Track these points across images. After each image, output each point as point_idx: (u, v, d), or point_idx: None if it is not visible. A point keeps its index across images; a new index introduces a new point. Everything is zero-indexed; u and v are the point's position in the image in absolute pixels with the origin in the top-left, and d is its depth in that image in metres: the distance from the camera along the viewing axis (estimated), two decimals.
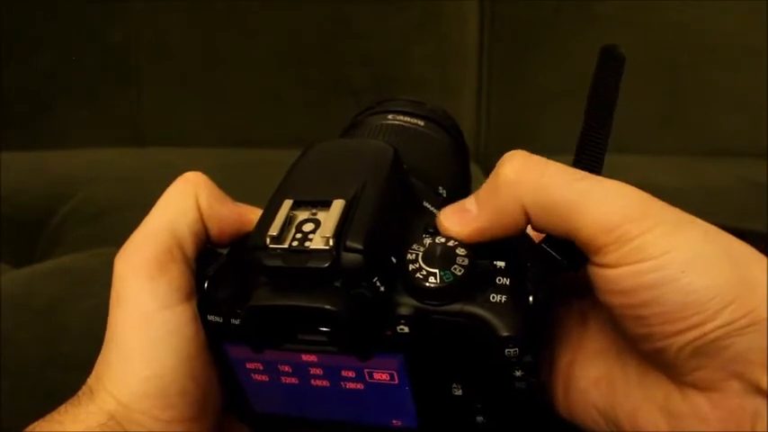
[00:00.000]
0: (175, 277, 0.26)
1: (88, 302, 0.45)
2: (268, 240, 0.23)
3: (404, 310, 0.23)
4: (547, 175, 0.24)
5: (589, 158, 0.26)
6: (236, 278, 0.25)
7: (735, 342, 0.22)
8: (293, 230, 0.23)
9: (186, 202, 0.27)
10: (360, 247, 0.23)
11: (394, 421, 0.27)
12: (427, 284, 0.23)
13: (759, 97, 0.86)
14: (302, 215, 0.24)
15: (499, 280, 0.24)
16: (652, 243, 0.23)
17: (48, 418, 0.25)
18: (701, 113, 0.88)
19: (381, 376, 0.25)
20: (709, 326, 0.22)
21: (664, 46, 0.90)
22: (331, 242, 0.22)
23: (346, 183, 0.25)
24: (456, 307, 0.23)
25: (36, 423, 0.25)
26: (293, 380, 0.26)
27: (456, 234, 0.25)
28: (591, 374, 0.28)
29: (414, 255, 0.24)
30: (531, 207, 0.24)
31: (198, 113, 0.92)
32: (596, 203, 0.23)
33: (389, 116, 0.35)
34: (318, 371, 0.26)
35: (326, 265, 0.22)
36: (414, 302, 0.23)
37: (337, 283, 0.23)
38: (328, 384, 0.26)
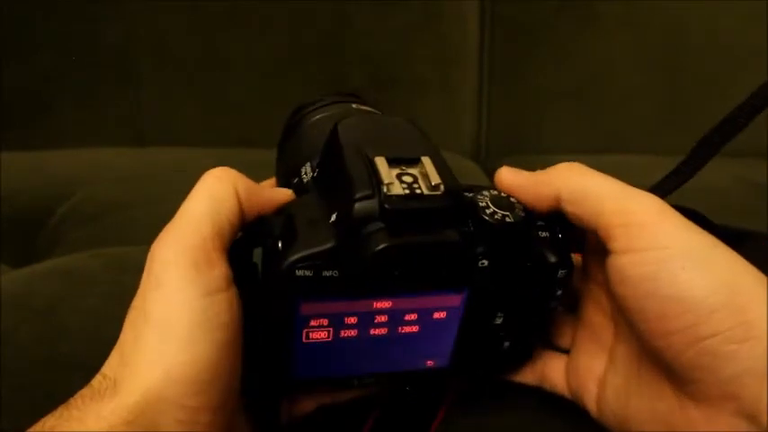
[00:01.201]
0: (217, 265, 0.26)
1: (88, 303, 0.45)
2: (385, 189, 0.25)
3: (483, 247, 0.28)
4: (587, 175, 0.28)
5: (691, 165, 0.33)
6: (315, 234, 0.26)
7: (733, 357, 0.23)
8: (398, 181, 0.26)
9: (226, 191, 0.27)
10: (460, 191, 0.27)
11: (428, 362, 0.31)
12: (503, 223, 0.28)
13: None
14: (395, 171, 0.26)
15: (539, 223, 0.30)
16: (660, 232, 0.24)
17: (65, 415, 0.24)
18: (702, 113, 0.88)
19: (439, 315, 0.29)
20: (703, 330, 0.23)
21: (664, 46, 0.90)
22: (443, 187, 0.26)
23: (414, 144, 0.28)
24: (520, 241, 0.28)
25: (49, 417, 0.25)
26: (352, 332, 0.29)
27: (510, 178, 0.30)
28: (617, 383, 0.29)
29: (484, 202, 0.28)
30: (566, 194, 0.28)
31: (197, 113, 0.92)
32: (621, 197, 0.26)
33: (354, 105, 0.38)
34: (383, 318, 0.29)
35: (444, 205, 0.26)
36: (489, 239, 0.28)
37: (448, 223, 0.26)
38: (386, 332, 0.29)
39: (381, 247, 0.25)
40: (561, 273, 0.30)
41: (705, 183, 0.75)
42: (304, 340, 0.28)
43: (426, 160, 0.27)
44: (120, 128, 0.92)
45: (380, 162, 0.26)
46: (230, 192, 0.27)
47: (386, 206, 0.25)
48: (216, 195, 0.27)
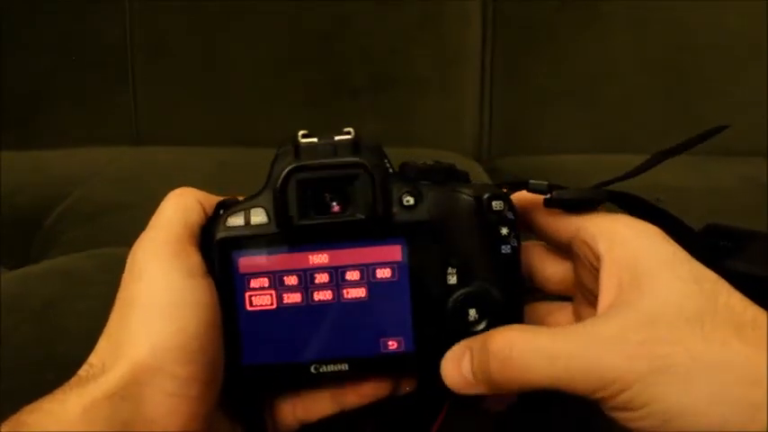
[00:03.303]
0: (194, 256, 0.28)
1: (85, 303, 0.45)
2: (300, 135, 0.29)
3: (406, 187, 0.29)
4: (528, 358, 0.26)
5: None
6: (249, 201, 0.29)
7: None
8: (317, 137, 0.29)
9: (191, 202, 0.30)
10: (375, 140, 0.29)
11: (389, 343, 0.30)
12: (423, 165, 0.30)
13: (761, 97, 0.86)
14: (314, 138, 0.29)
15: (472, 179, 0.31)
16: (636, 396, 0.24)
17: (49, 398, 0.25)
18: (703, 113, 0.88)
19: (384, 274, 0.30)
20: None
21: (666, 46, 0.89)
22: (353, 132, 0.29)
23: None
24: (446, 186, 0.30)
25: (35, 402, 0.25)
26: (296, 297, 0.29)
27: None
28: None
29: (408, 161, 0.30)
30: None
31: (196, 113, 0.91)
32: (583, 366, 0.25)
33: None
34: (324, 277, 0.29)
35: (352, 139, 0.28)
36: (411, 178, 0.30)
37: (356, 154, 0.29)
38: (331, 297, 0.30)
39: (288, 168, 0.28)
40: (497, 204, 0.30)
41: (709, 183, 0.76)
42: (248, 307, 0.29)
43: (348, 128, 0.29)
44: (119, 128, 0.92)
45: (300, 133, 0.29)
46: (194, 202, 0.30)
47: (297, 145, 0.28)
48: (182, 206, 0.29)
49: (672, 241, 0.27)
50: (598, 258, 0.28)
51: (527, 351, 0.26)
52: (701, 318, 0.25)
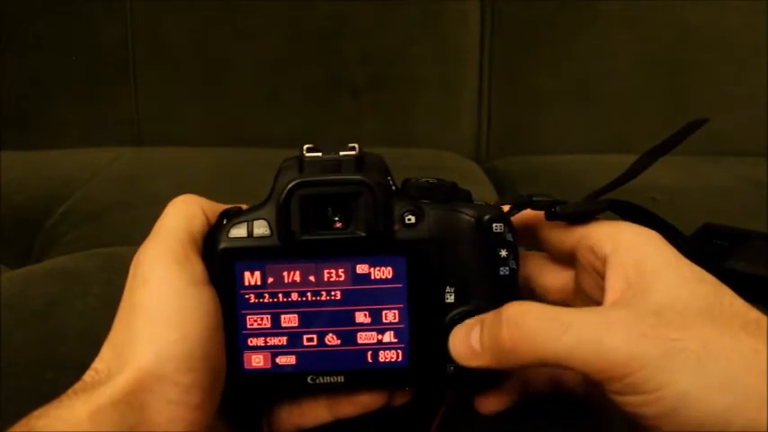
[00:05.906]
0: (198, 264, 0.28)
1: (85, 303, 0.45)
2: (305, 150, 0.29)
3: (408, 206, 0.29)
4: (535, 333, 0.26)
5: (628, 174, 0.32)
6: (253, 210, 0.29)
7: None
8: (321, 152, 0.29)
9: (194, 209, 0.30)
10: (378, 154, 0.30)
11: (386, 357, 0.31)
12: (425, 183, 0.30)
13: (761, 96, 0.86)
14: (319, 152, 0.29)
15: (475, 199, 0.31)
16: (646, 379, 0.24)
17: (55, 404, 0.25)
18: (703, 113, 0.88)
19: (383, 290, 0.30)
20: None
21: (665, 45, 0.90)
22: (357, 147, 0.29)
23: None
24: (448, 205, 0.30)
25: (43, 408, 0.25)
26: (296, 309, 0.30)
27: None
28: None
29: (411, 178, 0.31)
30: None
31: (196, 113, 0.91)
32: (594, 349, 0.25)
33: None
34: (324, 291, 0.30)
35: (356, 155, 0.29)
36: (414, 200, 0.30)
37: (364, 173, 0.29)
38: (330, 310, 0.30)
39: (293, 183, 0.28)
40: (497, 226, 0.30)
41: (709, 183, 0.76)
42: (248, 317, 0.30)
43: (352, 144, 0.29)
44: (119, 128, 0.92)
45: (305, 147, 0.29)
46: (198, 210, 0.30)
47: (302, 159, 0.29)
48: (186, 213, 0.30)
49: (672, 247, 0.28)
50: (603, 262, 0.28)
51: (540, 319, 0.26)
52: (710, 312, 0.25)
